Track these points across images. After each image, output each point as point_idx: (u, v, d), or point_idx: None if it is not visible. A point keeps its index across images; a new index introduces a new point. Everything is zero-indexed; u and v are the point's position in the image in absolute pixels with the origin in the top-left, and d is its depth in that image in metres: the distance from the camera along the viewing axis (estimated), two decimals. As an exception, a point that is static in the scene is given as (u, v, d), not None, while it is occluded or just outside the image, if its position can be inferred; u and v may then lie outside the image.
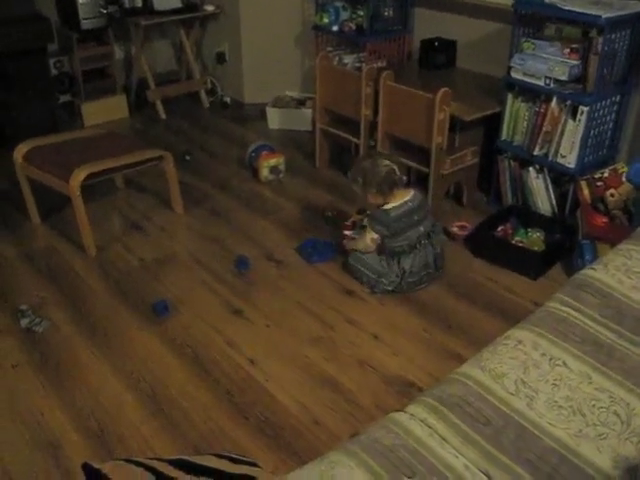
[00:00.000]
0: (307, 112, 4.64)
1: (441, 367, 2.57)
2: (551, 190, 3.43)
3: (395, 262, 2.95)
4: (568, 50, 3.14)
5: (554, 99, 3.23)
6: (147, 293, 3.00)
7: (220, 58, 5.07)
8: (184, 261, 3.24)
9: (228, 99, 5.09)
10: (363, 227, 3.27)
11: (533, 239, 3.24)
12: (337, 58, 4.34)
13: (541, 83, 3.24)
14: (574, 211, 3.39)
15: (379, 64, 4.23)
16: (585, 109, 3.14)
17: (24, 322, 2.80)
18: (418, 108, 3.34)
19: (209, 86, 5.12)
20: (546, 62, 3.19)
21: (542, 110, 3.30)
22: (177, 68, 5.32)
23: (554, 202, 3.45)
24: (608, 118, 3.31)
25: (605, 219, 2.96)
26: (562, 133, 3.26)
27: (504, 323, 2.79)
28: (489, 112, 3.48)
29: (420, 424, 1.63)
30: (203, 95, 5.10)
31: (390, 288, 2.97)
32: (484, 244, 3.27)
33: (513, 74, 3.34)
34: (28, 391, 2.49)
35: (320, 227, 3.52)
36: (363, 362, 2.61)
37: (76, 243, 3.34)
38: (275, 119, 4.70)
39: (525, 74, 3.30)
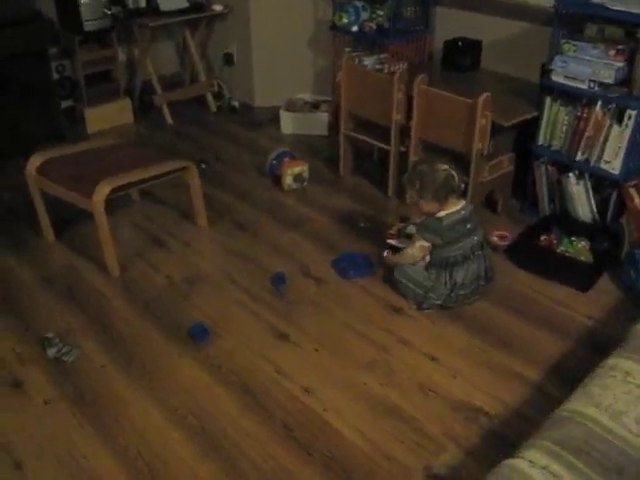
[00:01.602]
0: (323, 116, 4.46)
1: (505, 389, 2.44)
2: (592, 197, 3.31)
3: (447, 274, 2.80)
4: (613, 52, 3.01)
5: (598, 103, 3.11)
6: (180, 316, 2.81)
7: (228, 60, 4.87)
8: (215, 279, 3.05)
9: (236, 103, 4.89)
10: (408, 236, 3.12)
11: (579, 249, 3.11)
12: (356, 60, 4.18)
13: (584, 87, 3.12)
14: (617, 218, 3.27)
15: (400, 66, 4.08)
16: (633, 113, 3.01)
17: (52, 352, 2.60)
18: (457, 113, 3.19)
19: (216, 89, 4.91)
20: (590, 65, 3.06)
21: (584, 114, 3.18)
22: (181, 71, 5.10)
23: (595, 209, 3.32)
24: (653, 122, 3.20)
25: (661, 228, 2.84)
26: (606, 138, 3.14)
27: (561, 340, 2.68)
28: (528, 117, 3.34)
29: (543, 472, 1.48)
30: (210, 99, 4.89)
31: (439, 302, 2.82)
32: (528, 255, 3.14)
33: (554, 77, 3.21)
34: (65, 430, 2.29)
35: (354, 239, 3.36)
36: (424, 386, 2.46)
37: (97, 262, 3.13)
38: (289, 123, 4.51)
39: (567, 77, 3.16)
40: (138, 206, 3.63)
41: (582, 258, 3.05)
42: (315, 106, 4.59)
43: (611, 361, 1.78)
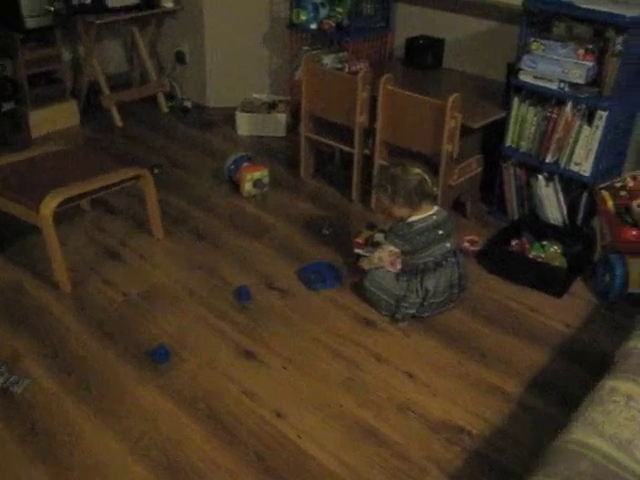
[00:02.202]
0: (280, 117, 4.30)
1: (485, 405, 2.33)
2: (562, 199, 3.24)
3: (418, 281, 2.68)
4: (583, 51, 2.94)
5: (569, 104, 3.03)
6: (139, 335, 2.61)
7: (180, 59, 4.65)
8: (175, 294, 2.86)
9: (189, 103, 4.67)
10: (375, 244, 2.99)
11: (551, 253, 3.03)
12: (315, 59, 4.03)
13: (554, 87, 3.04)
14: (587, 221, 3.22)
15: (361, 64, 3.94)
16: (604, 114, 2.95)
17: (-3, 381, 2.37)
18: (424, 115, 3.07)
19: (167, 89, 4.69)
20: (560, 64, 2.98)
21: (554, 115, 3.10)
22: (129, 70, 4.85)
23: (565, 211, 3.26)
24: (622, 123, 3.14)
25: (636, 232, 2.78)
26: (576, 139, 3.07)
27: (538, 349, 2.60)
28: (496, 118, 3.25)
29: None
30: (161, 99, 4.66)
31: (412, 311, 2.70)
32: (500, 260, 3.05)
33: (522, 77, 3.13)
34: (13, 468, 2.08)
35: (319, 247, 3.21)
36: (403, 406, 2.33)
37: (46, 278, 2.90)
38: (245, 125, 4.33)
39: (536, 77, 3.09)
40: (89, 216, 3.39)
41: (556, 263, 2.98)
42: (272, 106, 4.41)
43: (610, 383, 1.68)
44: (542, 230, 3.19)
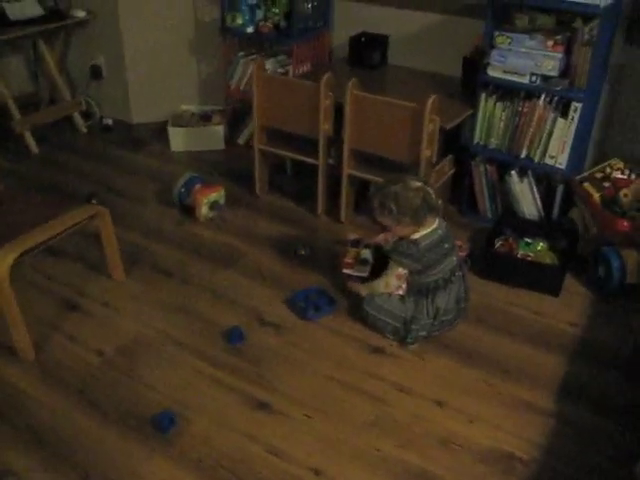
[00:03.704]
0: (217, 129, 3.98)
1: (525, 424, 2.22)
2: (537, 194, 3.19)
3: (428, 301, 2.51)
4: (552, 42, 2.87)
5: (542, 97, 2.96)
6: (131, 401, 2.27)
7: (95, 73, 4.20)
8: (157, 345, 2.52)
9: (110, 121, 4.24)
10: (363, 262, 2.80)
11: (539, 251, 2.96)
12: (252, 65, 3.75)
13: (525, 80, 2.96)
14: (564, 214, 3.18)
15: (304, 67, 3.72)
16: (579, 105, 2.90)
17: (-28, 484, 1.97)
18: (398, 119, 2.89)
19: (84, 107, 4.23)
20: (531, 57, 2.90)
21: (525, 109, 3.03)
22: (36, 89, 4.32)
23: (540, 206, 3.21)
24: (590, 113, 3.12)
25: (627, 223, 2.75)
26: (550, 132, 3.02)
27: (554, 354, 2.54)
28: (465, 116, 3.14)
29: None
30: (78, 119, 4.20)
31: (424, 333, 2.53)
32: (490, 264, 2.94)
33: (491, 72, 3.03)
34: None
35: (299, 270, 2.97)
36: (444, 440, 2.16)
37: (1, 347, 2.48)
38: (179, 140, 3.98)
39: (505, 71, 2.99)
40: (33, 262, 2.94)
41: (547, 261, 2.91)
42: (205, 118, 4.09)
43: None
44: (522, 227, 3.11)
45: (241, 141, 4.05)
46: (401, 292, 2.58)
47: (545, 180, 3.19)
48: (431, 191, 2.45)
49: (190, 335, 2.57)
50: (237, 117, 4.04)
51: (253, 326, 2.62)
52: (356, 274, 2.79)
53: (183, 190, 3.31)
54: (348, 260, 2.82)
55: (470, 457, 2.10)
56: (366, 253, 2.87)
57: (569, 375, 2.43)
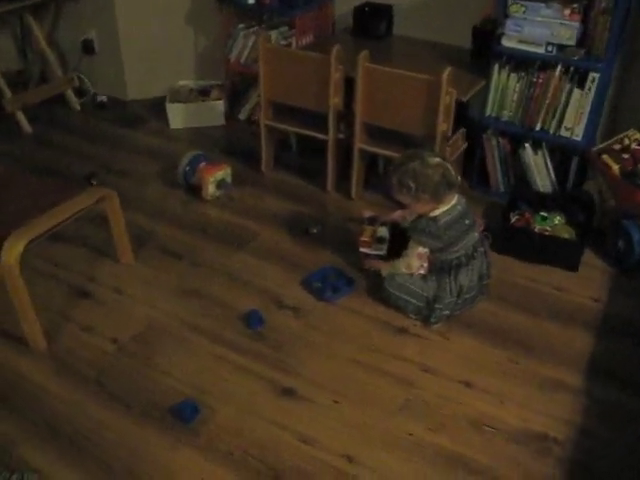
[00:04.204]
0: (217, 104, 3.86)
1: (557, 404, 2.18)
2: (551, 167, 3.13)
3: (451, 279, 2.45)
4: (569, 11, 2.79)
5: (558, 67, 2.89)
6: (152, 390, 2.20)
7: (87, 48, 4.03)
8: (174, 331, 2.45)
9: (104, 97, 4.10)
10: (381, 240, 2.73)
11: (557, 226, 2.91)
12: (253, 37, 3.63)
13: (541, 50, 2.88)
14: (578, 186, 3.13)
15: (307, 39, 3.61)
16: (597, 76, 2.83)
17: (-4, 483, 1.90)
18: (413, 92, 2.81)
19: (77, 84, 4.07)
20: (547, 26, 2.82)
21: (540, 80, 2.95)
22: (25, 66, 4.16)
23: (554, 179, 3.15)
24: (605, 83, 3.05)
25: (648, 195, 2.70)
26: (566, 103, 2.94)
27: (580, 332, 2.49)
28: (479, 87, 3.06)
29: None
30: (71, 96, 4.05)
31: (447, 312, 2.48)
32: (508, 239, 2.88)
33: (505, 42, 2.94)
34: None
35: (312, 249, 2.89)
36: (475, 422, 2.11)
37: (11, 337, 2.38)
38: (178, 117, 3.86)
39: (521, 41, 2.91)
40: (37, 249, 2.82)
41: (565, 235, 2.86)
42: (204, 93, 3.96)
43: None
44: (536, 200, 3.05)
45: (242, 116, 3.94)
46: (422, 271, 2.52)
47: (559, 152, 3.13)
48: (450, 167, 2.38)
49: (207, 320, 2.50)
50: (237, 92, 3.92)
51: (271, 309, 2.55)
52: (374, 252, 2.71)
53: (188, 169, 3.20)
54: (365, 239, 2.75)
55: (503, 439, 2.06)
56: (383, 231, 2.80)
57: (595, 352, 2.39)
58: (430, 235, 2.41)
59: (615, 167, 2.82)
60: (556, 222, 2.93)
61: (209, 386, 2.22)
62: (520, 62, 2.98)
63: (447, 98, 2.75)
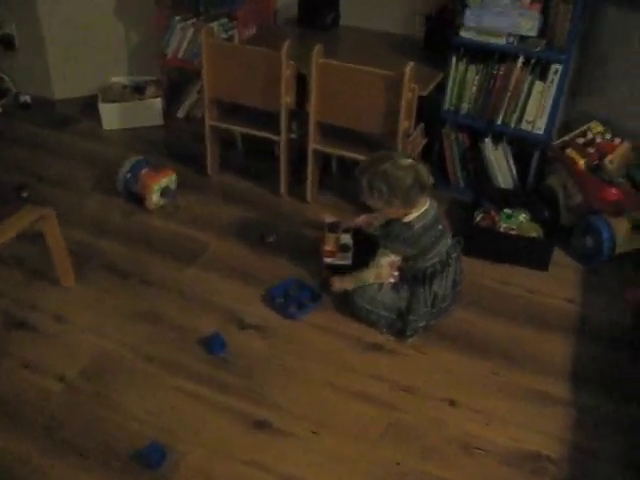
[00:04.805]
0: (154, 102, 3.58)
1: (546, 418, 2.09)
2: (511, 161, 3.03)
3: (426, 288, 2.31)
4: (528, 0, 2.68)
5: (519, 59, 2.77)
6: (107, 433, 1.97)
7: (7, 43, 3.64)
8: (127, 363, 2.20)
9: (28, 97, 3.73)
10: (345, 248, 2.58)
11: (523, 224, 2.81)
12: (191, 29, 3.37)
13: (502, 42, 2.76)
14: (539, 181, 3.04)
15: (250, 31, 3.38)
16: (559, 67, 2.74)
17: None
18: (372, 89, 2.63)
19: (-5, 84, 3.71)
20: (508, 16, 2.70)
21: (500, 72, 2.84)
22: None
23: (515, 174, 3.06)
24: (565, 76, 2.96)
25: (616, 190, 2.63)
26: (528, 96, 2.84)
27: (558, 337, 2.42)
28: (438, 80, 2.91)
29: None
30: (-11, 97, 3.68)
31: (423, 323, 2.34)
32: (474, 240, 2.76)
33: (464, 34, 2.81)
34: None
35: (271, 259, 2.69)
36: (464, 445, 1.99)
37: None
38: (112, 117, 3.55)
39: (480, 33, 2.78)
40: (-41, 275, 2.54)
41: (532, 234, 2.76)
42: (138, 90, 3.66)
43: None
44: (499, 197, 2.95)
45: (181, 114, 3.67)
46: (392, 280, 2.37)
47: (519, 147, 3.03)
48: (422, 168, 2.23)
49: (162, 347, 2.26)
50: (174, 88, 3.65)
51: (232, 330, 2.34)
52: (340, 263, 2.55)
53: (129, 176, 2.93)
54: (329, 248, 2.57)
55: (495, 461, 1.94)
56: (346, 238, 2.64)
57: (577, 359, 2.30)
58: (404, 242, 2.26)
59: (581, 162, 2.74)
60: (521, 219, 2.83)
61: (174, 425, 2.00)
62: (479, 54, 2.86)
63: (409, 94, 2.59)
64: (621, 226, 2.65)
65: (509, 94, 2.85)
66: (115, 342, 2.27)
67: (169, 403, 2.07)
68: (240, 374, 2.17)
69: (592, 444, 2.00)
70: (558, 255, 2.78)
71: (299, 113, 2.93)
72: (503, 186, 3.07)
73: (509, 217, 2.84)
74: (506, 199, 2.92)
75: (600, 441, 2.01)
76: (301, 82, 2.84)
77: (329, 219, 2.69)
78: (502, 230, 2.78)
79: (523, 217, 2.84)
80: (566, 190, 2.86)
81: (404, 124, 2.66)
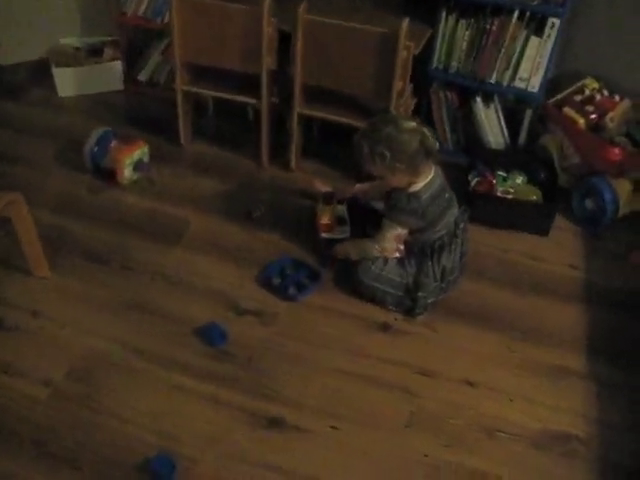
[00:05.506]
0: (114, 65, 3.27)
1: (568, 394, 2.02)
2: (503, 121, 2.89)
3: (434, 261, 2.17)
4: (525, -52, 2.51)
5: (515, 13, 2.61)
6: (103, 442, 1.78)
7: (-59, 3, 3.27)
8: (118, 360, 2.00)
9: (-33, 64, 3.37)
10: (341, 220, 2.43)
11: (519, 186, 2.70)
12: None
13: (497, -7, 2.59)
14: (531, 141, 2.91)
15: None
16: (557, 22, 2.59)
17: None
18: (364, 48, 2.43)
19: None
20: (503, -34, 2.53)
21: (494, 27, 2.67)
22: None
23: (507, 134, 2.92)
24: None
25: (619, 150, 2.52)
26: (522, 52, 2.69)
27: (567, 306, 2.35)
28: (427, 37, 2.73)
29: None
30: None
31: (433, 299, 2.21)
32: (472, 206, 2.62)
33: (456, -15, 2.62)
34: None
35: (260, 236, 2.50)
36: (489, 429, 1.89)
37: None
38: (67, 83, 3.23)
39: (473, -16, 2.60)
40: None
41: (533, 197, 2.65)
42: (94, 52, 3.34)
43: None
44: (492, 158, 2.81)
45: (143, 77, 3.37)
46: (398, 254, 2.23)
47: (510, 106, 2.90)
48: (427, 132, 2.07)
49: (155, 340, 2.07)
50: (135, 49, 3.33)
51: (230, 317, 2.17)
52: (338, 237, 2.38)
53: (96, 150, 2.67)
54: (325, 221, 2.40)
55: (523, 446, 1.86)
56: (341, 210, 2.47)
57: (589, 328, 2.23)
58: (412, 213, 2.11)
59: (581, 121, 2.61)
60: (518, 182, 2.72)
61: (177, 428, 1.83)
62: (470, 7, 2.68)
63: (404, 53, 2.41)
64: (623, 187, 2.56)
65: (503, 50, 2.69)
66: (102, 337, 2.07)
67: (169, 403, 1.89)
68: (244, 366, 2.01)
69: (616, 419, 1.94)
70: (558, 219, 2.67)
71: (280, 75, 2.71)
72: (494, 147, 2.93)
73: (505, 180, 2.72)
74: (499, 161, 2.80)
75: (623, 415, 1.94)
76: (283, 41, 2.62)
77: (324, 188, 2.51)
78: (499, 194, 2.67)
79: (520, 180, 2.72)
80: (562, 151, 2.75)
81: (398, 85, 2.47)
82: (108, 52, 3.34)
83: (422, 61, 2.80)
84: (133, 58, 3.36)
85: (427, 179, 2.12)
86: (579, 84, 2.77)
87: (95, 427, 1.82)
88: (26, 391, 1.89)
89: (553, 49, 2.65)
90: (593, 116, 2.61)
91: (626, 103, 2.61)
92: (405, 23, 2.34)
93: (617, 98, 2.64)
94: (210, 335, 2.06)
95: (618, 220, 2.61)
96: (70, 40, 3.41)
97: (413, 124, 2.07)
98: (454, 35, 2.75)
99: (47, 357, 1.99)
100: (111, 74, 3.29)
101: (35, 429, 1.80)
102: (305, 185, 2.69)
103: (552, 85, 2.88)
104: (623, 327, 2.24)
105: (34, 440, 1.77)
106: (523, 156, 2.85)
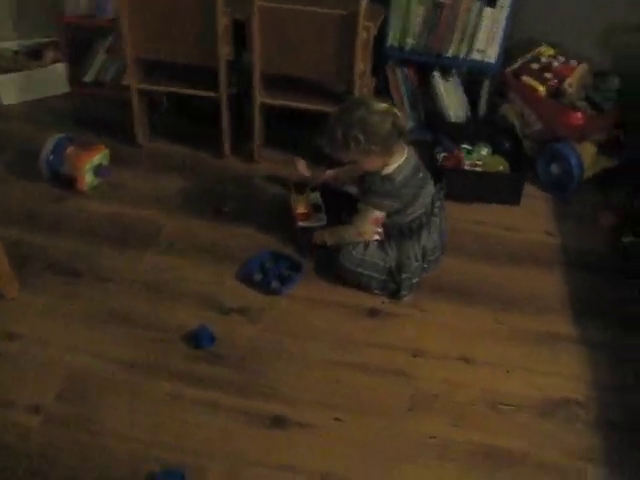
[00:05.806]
0: (57, 68, 3.13)
1: (562, 359, 2.06)
2: (462, 93, 2.90)
3: (414, 242, 2.18)
4: None
5: (468, -16, 2.61)
6: (106, 464, 1.71)
7: None
8: (107, 375, 1.92)
9: None
10: (316, 207, 2.40)
11: (486, 158, 2.72)
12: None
13: (448, -34, 2.58)
14: (491, 111, 2.93)
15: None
16: (510, -10, 2.60)
17: None
18: (322, 32, 2.39)
19: None
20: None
21: (447, 1, 2.66)
22: None
23: (467, 106, 2.93)
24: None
25: (581, 115, 2.56)
26: (477, 24, 2.70)
27: (548, 273, 2.39)
28: (383, 15, 2.70)
29: None
30: None
31: (417, 279, 2.21)
32: (441, 181, 2.63)
33: (407, -40, 2.60)
34: None
35: (233, 232, 2.45)
36: (492, 404, 1.91)
37: None
38: (10, 90, 3.08)
39: (423, -42, 2.58)
40: None
41: (500, 168, 2.67)
42: (34, 55, 3.19)
43: None
44: (454, 132, 2.82)
45: (89, 79, 3.24)
46: (378, 237, 2.22)
47: (467, 78, 2.91)
48: (398, 113, 2.06)
49: (142, 350, 2.00)
50: (78, 49, 3.19)
51: (214, 318, 2.11)
52: (315, 224, 2.35)
53: (52, 157, 2.55)
54: (302, 210, 2.37)
55: (526, 416, 1.88)
56: (315, 197, 2.44)
57: (572, 292, 2.27)
58: (387, 196, 2.10)
59: (541, 88, 2.64)
60: (484, 153, 2.74)
61: (178, 438, 1.77)
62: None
63: (364, 34, 2.38)
64: (586, 150, 2.61)
65: (459, 24, 2.69)
66: (87, 353, 1.99)
67: (166, 413, 1.83)
68: (237, 367, 1.96)
69: (611, 379, 1.98)
70: (531, 187, 2.70)
71: (238, 65, 2.64)
72: (455, 120, 2.94)
73: (470, 152, 2.74)
74: (462, 134, 2.81)
75: (618, 375, 1.99)
76: (236, 31, 2.55)
77: (307, 172, 2.49)
78: (467, 167, 2.68)
79: (485, 151, 2.74)
80: (523, 119, 2.78)
81: (360, 66, 2.45)
82: (48, 54, 3.18)
83: (378, 40, 2.78)
84: (77, 58, 3.22)
85: (400, 160, 2.11)
86: (534, 52, 2.80)
87: (93, 448, 1.74)
88: (16, 421, 1.79)
89: (507, 19, 2.66)
90: (552, 83, 2.64)
91: (583, 68, 2.66)
92: (364, 3, 2.30)
93: (574, 63, 2.68)
94: (198, 338, 2.01)
95: (584, 182, 2.66)
96: (6, 43, 3.25)
97: (384, 105, 2.05)
98: (408, 11, 2.74)
99: (32, 381, 1.90)
100: (55, 77, 3.15)
101: (31, 461, 1.70)
102: (271, 173, 2.67)
103: (507, 55, 2.90)
104: (600, 288, 2.29)
105: (32, 472, 1.68)
106: (485, 127, 2.87)
